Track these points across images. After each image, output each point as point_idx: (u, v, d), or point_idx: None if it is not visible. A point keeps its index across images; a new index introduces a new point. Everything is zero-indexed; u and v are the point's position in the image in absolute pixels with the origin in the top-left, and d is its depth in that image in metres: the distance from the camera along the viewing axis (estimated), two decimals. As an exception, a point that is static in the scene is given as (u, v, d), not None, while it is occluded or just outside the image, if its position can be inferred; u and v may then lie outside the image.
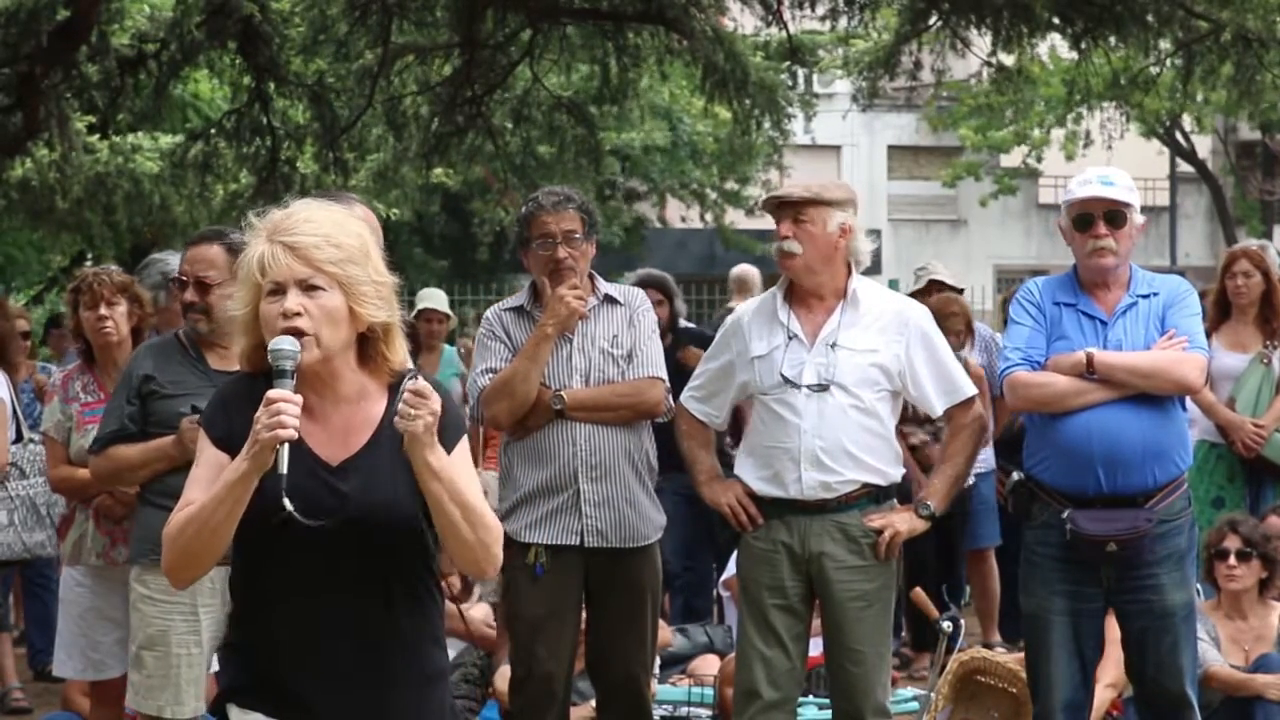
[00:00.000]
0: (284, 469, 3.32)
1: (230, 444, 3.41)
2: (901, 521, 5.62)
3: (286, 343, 3.36)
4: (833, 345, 5.55)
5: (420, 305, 10.71)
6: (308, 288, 3.39)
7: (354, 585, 3.44)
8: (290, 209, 3.46)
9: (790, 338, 5.57)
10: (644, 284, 9.11)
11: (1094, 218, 5.58)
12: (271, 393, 3.31)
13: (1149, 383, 5.51)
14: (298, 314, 3.37)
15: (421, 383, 3.38)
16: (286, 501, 3.32)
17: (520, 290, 6.05)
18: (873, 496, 5.61)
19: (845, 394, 5.54)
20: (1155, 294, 5.67)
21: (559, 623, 5.70)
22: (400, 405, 3.36)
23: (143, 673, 5.41)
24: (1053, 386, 5.53)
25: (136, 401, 5.44)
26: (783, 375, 5.53)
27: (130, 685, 5.48)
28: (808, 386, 5.51)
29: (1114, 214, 5.59)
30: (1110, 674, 6.37)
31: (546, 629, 5.69)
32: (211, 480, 3.40)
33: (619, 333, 5.80)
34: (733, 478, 5.71)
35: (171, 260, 6.95)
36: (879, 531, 5.57)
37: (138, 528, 5.57)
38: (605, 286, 5.90)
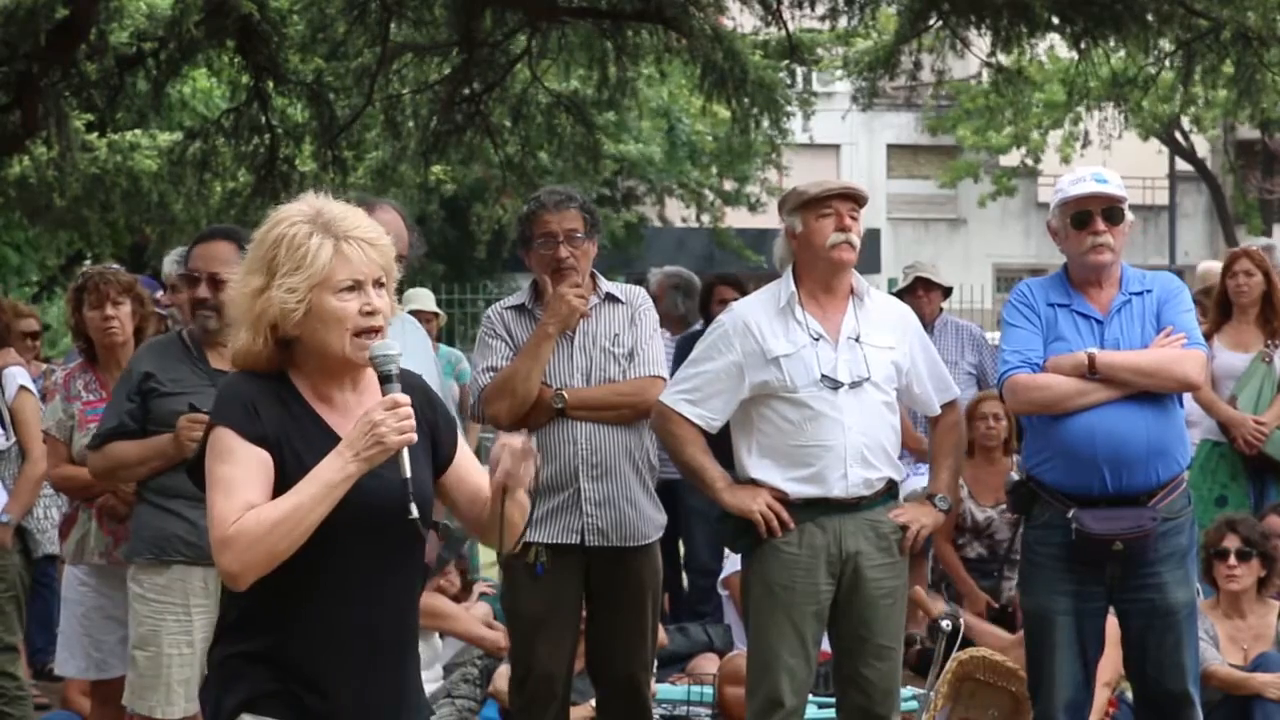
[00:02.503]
0: (408, 472, 3.38)
1: (269, 443, 3.39)
2: (926, 516, 5.63)
3: (393, 347, 3.43)
4: (856, 340, 5.54)
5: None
6: (378, 284, 3.45)
7: (392, 581, 3.48)
8: (332, 207, 3.47)
9: (816, 338, 5.53)
10: (673, 284, 9.10)
11: (1092, 214, 5.58)
12: (396, 396, 3.37)
13: (1152, 381, 5.50)
14: (378, 311, 3.43)
15: (514, 440, 3.47)
16: (413, 507, 3.38)
17: (520, 289, 6.04)
18: (891, 492, 5.62)
19: (878, 390, 5.53)
20: (1148, 291, 5.67)
21: (559, 622, 5.69)
22: (501, 469, 3.43)
23: (135, 672, 5.42)
24: (1055, 388, 5.52)
25: (137, 399, 5.44)
26: (824, 374, 5.48)
27: (127, 684, 5.50)
28: (848, 384, 5.48)
29: (1112, 210, 5.59)
30: (1106, 674, 6.37)
31: (547, 628, 5.68)
32: (257, 479, 3.36)
33: (620, 331, 5.78)
34: (751, 481, 5.58)
35: None
36: (904, 527, 5.56)
37: (134, 526, 5.57)
38: (607, 285, 5.88)
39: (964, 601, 7.82)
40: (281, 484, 3.37)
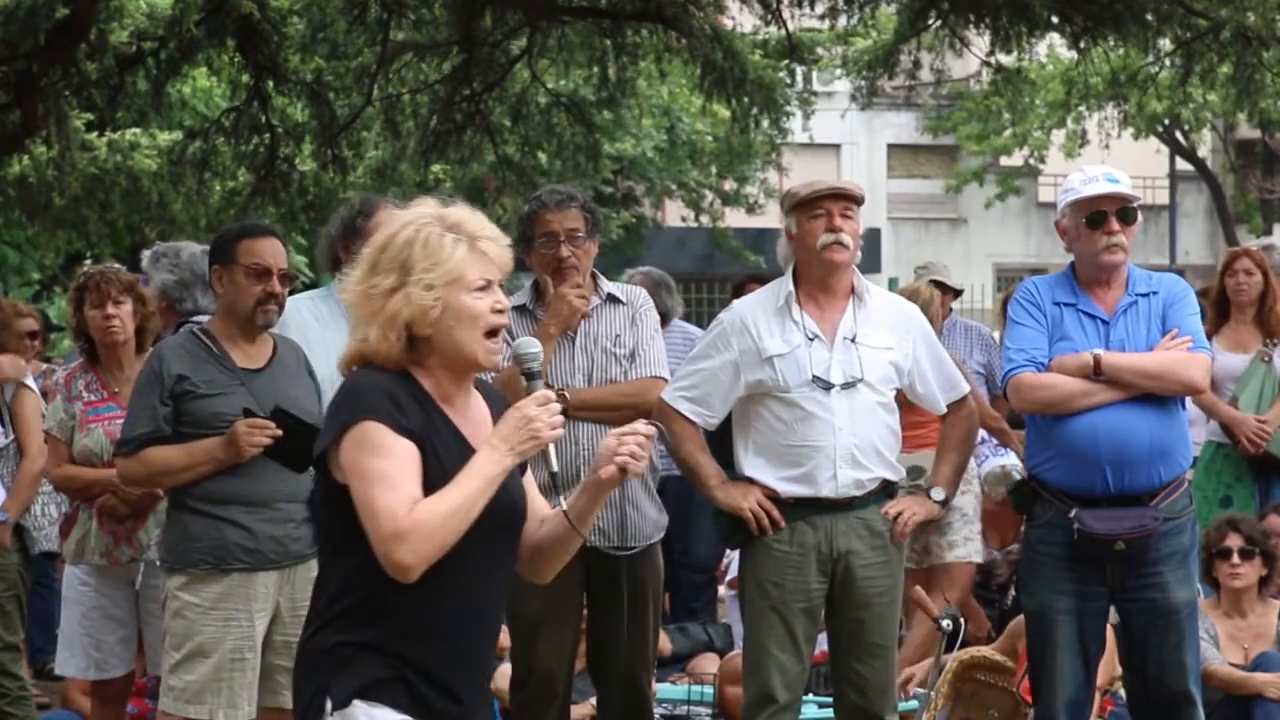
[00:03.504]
0: (555, 466, 3.55)
1: (414, 438, 3.44)
2: (917, 505, 5.65)
3: (535, 344, 3.59)
4: (853, 340, 5.54)
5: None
6: (500, 285, 3.56)
7: (498, 578, 3.59)
8: (456, 209, 3.56)
9: (811, 338, 5.54)
10: (656, 281, 9.11)
11: (1106, 214, 5.58)
12: (546, 392, 3.50)
13: (1156, 384, 5.50)
14: (506, 309, 3.55)
15: (641, 425, 3.61)
16: (562, 500, 3.58)
17: (521, 289, 6.03)
18: (887, 492, 5.63)
19: (872, 391, 5.54)
20: (1155, 292, 5.67)
21: (559, 621, 5.69)
22: (626, 450, 3.55)
23: (188, 679, 5.33)
24: (1060, 388, 5.52)
25: (170, 402, 5.36)
26: (815, 375, 5.49)
27: (169, 691, 5.39)
28: (840, 385, 5.49)
29: (1125, 210, 5.59)
30: (1100, 676, 6.37)
31: (547, 628, 5.68)
32: (413, 472, 3.41)
33: (621, 332, 5.78)
34: (744, 479, 5.60)
35: (188, 250, 6.94)
36: (896, 517, 5.57)
37: (176, 535, 5.44)
38: (608, 286, 5.88)
39: (968, 625, 7.87)
40: (424, 484, 3.43)
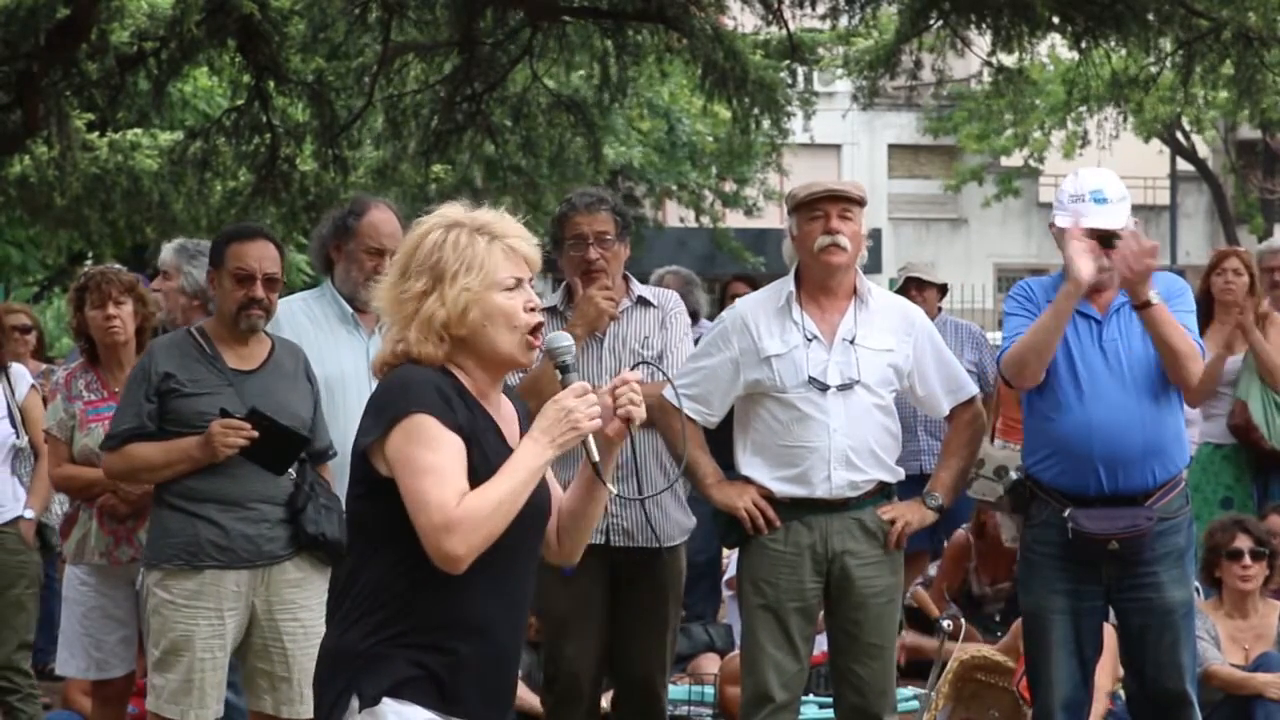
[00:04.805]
0: (596, 456, 3.56)
1: (463, 434, 3.48)
2: (911, 512, 5.63)
3: (567, 339, 3.61)
4: (851, 342, 5.54)
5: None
6: (529, 282, 3.59)
7: (530, 571, 3.61)
8: (480, 212, 3.59)
9: (810, 338, 5.54)
10: (686, 279, 9.13)
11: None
12: (583, 384, 3.53)
13: (1171, 351, 5.44)
14: (539, 307, 3.58)
15: (629, 373, 3.64)
16: (612, 486, 3.59)
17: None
18: (884, 493, 5.63)
19: (869, 393, 5.53)
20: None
21: (587, 622, 5.69)
22: (629, 395, 3.56)
23: (169, 677, 5.35)
24: (1018, 345, 5.50)
25: (155, 399, 5.39)
26: (811, 376, 5.49)
27: (152, 689, 5.41)
28: (836, 386, 5.50)
29: (1109, 238, 5.55)
30: (1103, 681, 6.36)
31: (574, 628, 5.69)
32: (462, 466, 3.44)
33: (650, 334, 5.78)
34: (740, 478, 5.62)
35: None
36: (891, 522, 5.57)
37: (155, 531, 5.47)
38: (639, 288, 5.87)
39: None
40: (470, 479, 3.45)
